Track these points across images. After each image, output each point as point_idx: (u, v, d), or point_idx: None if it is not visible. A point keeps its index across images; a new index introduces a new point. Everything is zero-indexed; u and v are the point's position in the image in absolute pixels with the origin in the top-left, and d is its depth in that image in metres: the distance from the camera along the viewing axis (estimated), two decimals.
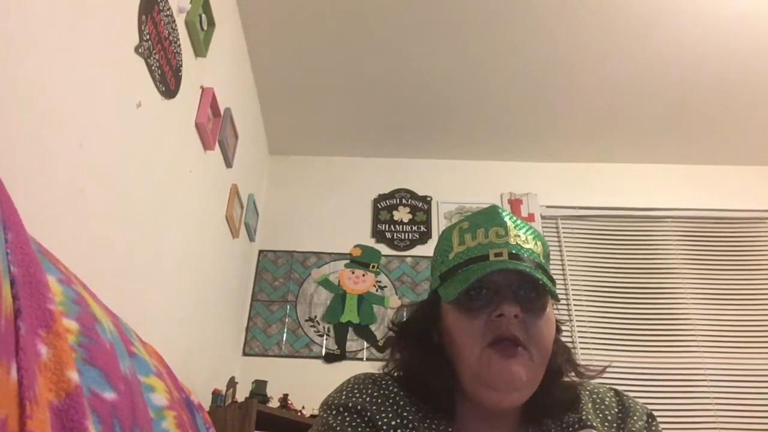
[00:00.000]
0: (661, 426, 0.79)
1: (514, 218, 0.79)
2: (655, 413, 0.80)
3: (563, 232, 3.04)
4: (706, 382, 2.65)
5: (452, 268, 0.76)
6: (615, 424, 0.75)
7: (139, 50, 1.48)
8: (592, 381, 0.82)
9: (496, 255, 0.73)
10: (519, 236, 0.76)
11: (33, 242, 0.56)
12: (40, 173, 1.09)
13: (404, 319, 0.84)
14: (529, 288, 0.73)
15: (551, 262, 2.94)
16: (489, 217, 0.79)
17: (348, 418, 0.72)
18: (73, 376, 0.48)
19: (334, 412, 0.74)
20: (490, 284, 0.72)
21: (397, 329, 0.83)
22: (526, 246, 0.75)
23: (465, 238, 0.77)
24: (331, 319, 2.78)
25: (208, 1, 1.95)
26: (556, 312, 0.79)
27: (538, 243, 0.78)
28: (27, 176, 1.05)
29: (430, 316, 0.79)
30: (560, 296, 2.86)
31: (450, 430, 0.73)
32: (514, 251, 0.73)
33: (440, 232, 0.84)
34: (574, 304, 2.84)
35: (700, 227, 3.05)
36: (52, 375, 0.46)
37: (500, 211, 0.80)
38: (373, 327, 2.77)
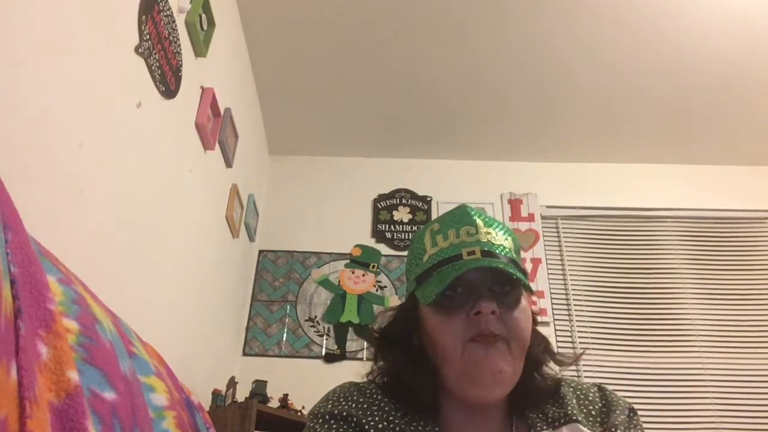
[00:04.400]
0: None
1: (484, 216, 0.81)
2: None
3: (563, 232, 3.04)
4: (706, 382, 2.65)
5: (427, 270, 0.77)
6: (599, 419, 0.77)
7: (139, 50, 1.48)
8: (578, 377, 0.84)
9: (469, 253, 0.75)
10: (490, 233, 0.78)
11: (33, 242, 0.56)
12: (40, 173, 1.09)
13: (385, 325, 0.85)
14: (503, 282, 0.74)
15: (552, 261, 2.91)
16: (459, 217, 0.80)
17: (335, 426, 0.74)
18: (73, 376, 0.48)
19: (320, 421, 0.75)
20: (465, 283, 0.74)
21: (378, 334, 0.85)
22: (497, 242, 0.77)
23: (437, 240, 0.79)
24: (331, 319, 2.78)
25: (208, 1, 1.95)
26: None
27: (509, 238, 0.80)
28: (27, 176, 1.05)
29: (410, 319, 0.81)
30: (560, 296, 2.86)
31: (437, 429, 0.75)
32: (486, 248, 0.75)
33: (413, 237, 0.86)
34: (574, 304, 2.84)
35: (700, 227, 3.05)
36: (52, 375, 0.46)
37: (469, 210, 0.82)
38: None
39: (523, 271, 0.76)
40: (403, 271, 2.93)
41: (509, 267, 0.73)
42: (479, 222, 0.79)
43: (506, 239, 0.79)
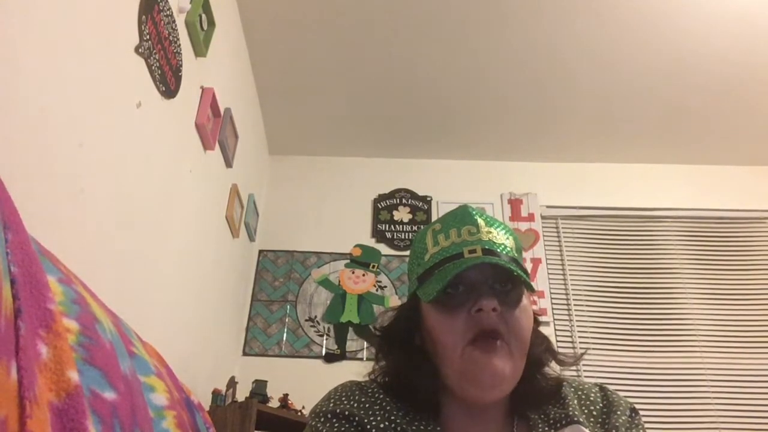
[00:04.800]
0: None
1: (485, 216, 0.81)
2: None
3: (563, 232, 3.04)
4: (706, 382, 2.65)
5: (429, 269, 0.77)
6: (600, 420, 0.77)
7: (139, 50, 1.48)
8: (579, 377, 0.84)
9: (470, 252, 0.75)
10: (491, 233, 0.78)
11: (33, 242, 0.56)
12: (40, 173, 1.09)
13: (386, 324, 0.85)
14: (504, 281, 0.75)
15: (552, 261, 2.90)
16: (460, 217, 0.81)
17: (337, 424, 0.74)
18: (73, 376, 0.48)
19: (323, 419, 0.75)
20: (466, 281, 0.74)
21: (380, 334, 0.84)
22: (499, 241, 0.77)
23: (438, 239, 0.79)
24: (331, 319, 2.78)
25: (208, 1, 1.95)
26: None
27: (510, 238, 0.80)
28: (27, 176, 1.05)
29: (411, 319, 0.81)
30: (560, 296, 2.86)
31: (438, 429, 0.74)
32: (487, 247, 0.75)
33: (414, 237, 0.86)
34: (574, 304, 2.84)
35: (700, 227, 3.05)
36: (52, 375, 0.46)
37: (471, 210, 0.82)
38: None
39: (525, 270, 0.76)
40: (403, 271, 2.93)
41: (510, 264, 0.73)
42: (480, 222, 0.79)
43: (507, 239, 0.79)
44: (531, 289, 0.77)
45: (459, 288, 0.74)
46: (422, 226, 3.07)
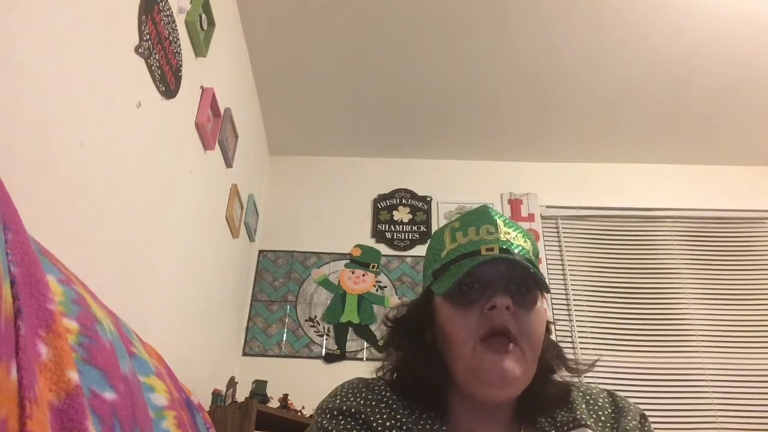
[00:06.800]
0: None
1: (504, 217, 0.82)
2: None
3: (563, 232, 3.04)
4: (706, 382, 2.65)
5: (444, 264, 0.77)
6: (609, 424, 0.76)
7: (139, 50, 1.48)
8: (585, 382, 0.83)
9: (488, 250, 0.75)
10: (509, 233, 0.78)
11: (33, 242, 0.56)
12: (40, 173, 1.09)
13: (398, 316, 0.84)
14: (519, 282, 0.74)
15: (552, 261, 2.90)
16: (480, 216, 0.81)
17: (343, 421, 0.73)
18: (73, 376, 0.48)
19: (328, 416, 0.75)
20: (482, 278, 0.74)
21: (391, 325, 0.84)
22: (516, 242, 0.77)
23: (456, 236, 0.79)
24: (331, 319, 2.78)
25: (208, 1, 1.95)
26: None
27: (528, 241, 0.80)
28: (27, 176, 1.05)
29: (423, 314, 0.80)
30: (560, 296, 2.86)
31: (444, 429, 0.74)
32: (504, 247, 0.75)
33: (432, 234, 0.86)
34: (574, 304, 2.84)
35: (700, 227, 3.05)
36: (52, 375, 0.46)
37: (491, 210, 0.82)
38: (373, 327, 2.77)
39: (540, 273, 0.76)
40: (404, 272, 2.94)
41: (526, 262, 0.73)
42: (500, 222, 0.79)
43: (525, 242, 0.79)
44: (546, 290, 0.76)
45: (474, 286, 0.74)
46: (422, 227, 3.09)
